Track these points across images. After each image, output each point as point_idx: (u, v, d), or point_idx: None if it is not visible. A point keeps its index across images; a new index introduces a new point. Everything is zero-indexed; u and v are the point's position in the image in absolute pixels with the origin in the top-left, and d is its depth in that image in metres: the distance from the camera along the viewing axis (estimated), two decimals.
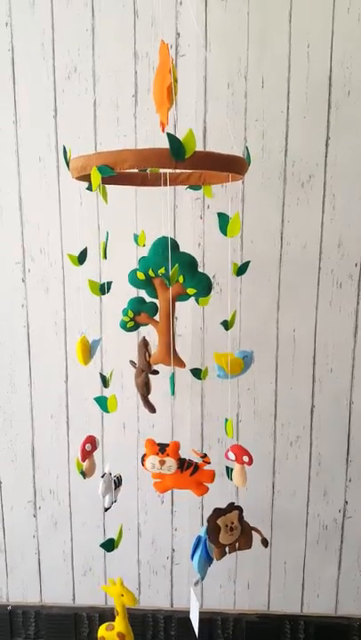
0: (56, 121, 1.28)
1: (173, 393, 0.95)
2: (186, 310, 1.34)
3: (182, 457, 0.95)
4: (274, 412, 1.39)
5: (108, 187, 1.03)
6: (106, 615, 1.52)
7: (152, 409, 1.06)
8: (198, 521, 1.45)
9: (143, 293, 0.96)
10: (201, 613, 1.51)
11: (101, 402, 0.94)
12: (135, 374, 1.03)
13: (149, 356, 1.00)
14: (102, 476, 1.04)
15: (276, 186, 1.28)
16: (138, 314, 0.96)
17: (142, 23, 1.23)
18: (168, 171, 0.96)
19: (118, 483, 1.06)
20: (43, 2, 1.24)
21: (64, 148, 0.86)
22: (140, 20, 1.23)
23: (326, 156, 1.26)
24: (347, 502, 1.43)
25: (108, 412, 0.94)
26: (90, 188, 0.82)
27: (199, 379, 1.02)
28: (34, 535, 1.51)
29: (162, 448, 0.93)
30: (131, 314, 0.96)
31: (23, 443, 1.45)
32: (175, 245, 0.91)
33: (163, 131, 0.83)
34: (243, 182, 1.27)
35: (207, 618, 1.51)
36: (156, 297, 0.95)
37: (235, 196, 1.28)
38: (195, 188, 1.03)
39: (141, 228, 1.22)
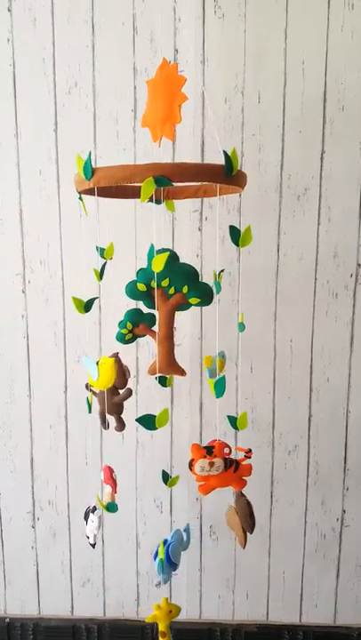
0: (56, 135, 1.30)
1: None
2: (185, 320, 1.35)
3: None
4: (272, 422, 1.40)
5: (106, 199, 1.06)
6: (104, 627, 1.52)
7: (123, 427, 1.03)
8: (197, 530, 1.46)
9: (137, 304, 0.97)
10: (200, 624, 1.53)
11: (148, 421, 0.87)
12: (107, 395, 0.98)
13: (124, 372, 0.97)
14: (93, 511, 1.02)
15: (272, 198, 1.30)
16: (136, 325, 0.97)
17: (141, 39, 1.26)
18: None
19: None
20: (43, 18, 1.27)
21: (89, 154, 0.81)
22: (139, 36, 1.25)
23: (321, 170, 1.29)
24: (345, 511, 1.44)
25: (156, 429, 0.88)
26: (78, 197, 0.86)
27: (165, 386, 1.04)
28: (32, 546, 1.50)
29: (208, 450, 0.93)
30: (130, 326, 0.96)
31: (22, 453, 1.45)
32: (176, 256, 0.93)
33: (159, 146, 0.85)
34: (240, 195, 1.29)
35: (206, 629, 1.51)
36: (155, 308, 0.96)
37: (232, 208, 1.30)
38: (158, 202, 1.03)
39: (140, 240, 1.25)
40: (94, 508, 1.03)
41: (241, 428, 0.95)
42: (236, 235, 0.91)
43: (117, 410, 1.02)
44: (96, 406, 1.01)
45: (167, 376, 1.04)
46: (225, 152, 0.77)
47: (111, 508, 1.00)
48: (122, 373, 0.98)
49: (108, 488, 1.01)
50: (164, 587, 1.49)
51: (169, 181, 0.76)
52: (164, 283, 0.92)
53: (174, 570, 1.01)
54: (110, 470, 1.00)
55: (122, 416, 1.03)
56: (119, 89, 1.28)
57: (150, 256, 0.92)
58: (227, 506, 1.05)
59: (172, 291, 0.93)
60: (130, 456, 1.41)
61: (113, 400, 1.01)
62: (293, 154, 1.28)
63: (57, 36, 1.27)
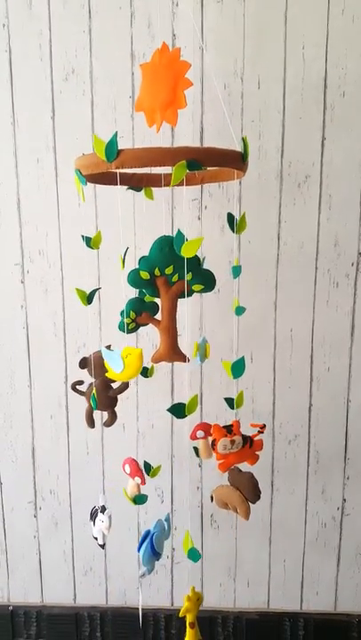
0: (54, 122, 1.29)
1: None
2: (185, 311, 1.34)
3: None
4: (272, 411, 1.40)
5: (104, 187, 1.05)
6: (106, 615, 1.53)
7: (114, 421, 1.04)
8: (198, 519, 1.46)
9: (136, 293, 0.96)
10: (201, 612, 1.52)
11: (178, 409, 0.90)
12: (101, 390, 0.99)
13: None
14: (102, 510, 1.01)
15: (272, 186, 1.29)
16: (139, 314, 0.96)
17: (139, 24, 1.24)
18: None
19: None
20: (40, 3, 1.24)
21: (115, 133, 0.74)
22: (136, 21, 1.23)
23: (322, 157, 1.27)
24: (345, 500, 1.44)
25: (185, 416, 0.90)
26: (83, 182, 0.82)
27: (146, 377, 1.04)
28: (34, 535, 1.51)
29: (228, 429, 0.95)
30: (133, 315, 0.95)
31: (23, 443, 1.46)
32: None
33: (157, 131, 0.83)
34: (240, 183, 1.28)
35: (207, 616, 1.52)
36: (157, 296, 0.95)
37: (232, 196, 1.29)
38: (136, 189, 1.02)
39: (139, 229, 1.24)
40: (103, 508, 1.02)
41: (238, 407, 0.96)
42: (232, 221, 0.91)
43: (111, 403, 1.02)
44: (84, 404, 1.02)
45: (148, 367, 1.04)
46: (244, 138, 0.82)
47: (140, 499, 0.99)
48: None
49: (133, 481, 0.99)
50: (168, 577, 1.51)
51: (200, 165, 0.75)
52: (168, 270, 0.91)
53: (158, 559, 1.03)
54: (136, 462, 0.99)
55: (114, 409, 1.03)
56: (117, 75, 1.26)
57: (158, 245, 0.90)
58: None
59: (175, 278, 0.92)
60: (131, 445, 1.41)
61: (109, 394, 1.01)
62: (294, 140, 1.27)
63: (53, 21, 1.25)
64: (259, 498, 0.97)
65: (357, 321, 1.34)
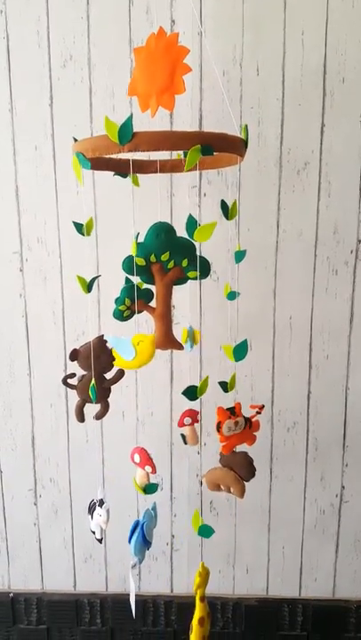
0: (52, 109, 1.28)
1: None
2: (183, 298, 1.34)
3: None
4: (271, 399, 1.40)
5: (101, 174, 1.04)
6: (106, 601, 1.54)
7: (106, 412, 1.03)
8: (198, 506, 1.47)
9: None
10: None
11: (191, 392, 0.91)
12: (95, 382, 0.97)
13: (109, 354, 0.97)
14: (100, 504, 1.01)
15: (271, 173, 1.29)
16: (134, 302, 0.96)
17: (137, 10, 1.23)
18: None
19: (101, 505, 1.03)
20: None
21: (130, 115, 0.72)
22: (134, 7, 1.23)
23: (321, 143, 1.27)
24: (343, 487, 1.45)
25: (197, 399, 0.91)
26: (87, 166, 0.81)
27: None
28: (35, 523, 1.52)
29: (231, 411, 0.97)
30: (128, 302, 0.95)
31: (23, 432, 1.46)
32: (173, 230, 0.92)
33: (152, 115, 0.82)
34: (239, 170, 1.27)
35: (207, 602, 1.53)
36: (152, 283, 0.95)
37: (231, 183, 1.29)
38: (122, 175, 1.02)
39: (138, 216, 1.23)
40: (101, 502, 1.02)
41: (231, 389, 0.96)
42: (225, 209, 0.91)
43: (105, 395, 1.01)
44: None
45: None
46: (245, 127, 0.84)
47: (151, 489, 0.99)
48: (108, 355, 0.97)
49: (142, 470, 0.98)
50: (167, 564, 1.52)
51: (212, 150, 0.75)
52: (165, 257, 0.90)
53: (148, 548, 1.03)
54: (146, 451, 0.99)
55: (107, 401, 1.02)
56: (115, 62, 1.25)
57: (154, 231, 0.90)
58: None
59: (171, 265, 0.92)
60: (130, 434, 1.42)
61: (103, 385, 1.00)
62: (293, 127, 1.26)
63: (51, 8, 1.24)
64: (254, 475, 0.98)
65: (356, 309, 1.34)
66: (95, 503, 1.05)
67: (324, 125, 1.26)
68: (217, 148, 0.77)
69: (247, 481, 0.99)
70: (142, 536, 1.01)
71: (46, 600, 1.55)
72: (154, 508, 1.05)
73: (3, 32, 1.26)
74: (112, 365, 0.98)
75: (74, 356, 0.96)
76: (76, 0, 1.23)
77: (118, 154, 0.76)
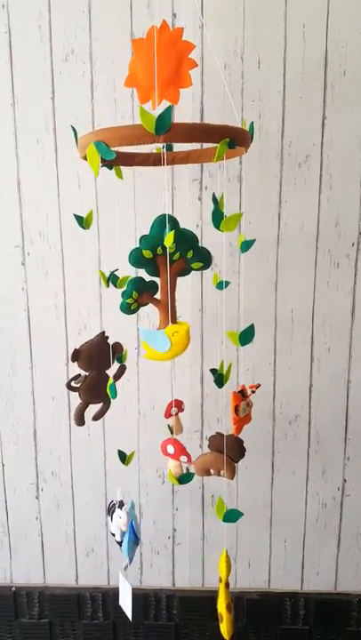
0: (54, 103, 1.29)
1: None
2: (186, 291, 1.34)
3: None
4: (273, 392, 1.40)
5: (104, 168, 1.05)
6: (108, 595, 1.54)
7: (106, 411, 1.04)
8: (199, 500, 1.47)
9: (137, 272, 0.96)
10: (203, 592, 1.55)
11: (218, 379, 0.95)
12: (94, 383, 0.96)
13: (110, 352, 0.97)
14: (119, 506, 1.00)
15: (273, 166, 1.29)
16: (141, 295, 0.96)
17: (138, 4, 1.23)
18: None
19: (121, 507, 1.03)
20: None
21: (170, 106, 0.73)
22: (136, 0, 1.23)
23: (323, 136, 1.27)
24: (345, 480, 1.45)
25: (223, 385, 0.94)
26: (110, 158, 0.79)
27: (120, 362, 1.04)
28: (36, 517, 1.52)
29: (242, 394, 0.99)
30: (135, 295, 0.94)
31: (25, 425, 1.47)
32: (177, 222, 0.92)
33: (153, 108, 0.83)
34: (240, 163, 1.28)
35: (208, 597, 1.53)
36: (157, 275, 0.95)
37: (232, 176, 1.29)
38: (108, 166, 1.02)
39: (140, 209, 1.24)
40: (121, 503, 1.01)
41: (226, 381, 0.98)
42: (216, 202, 0.90)
43: (106, 393, 1.00)
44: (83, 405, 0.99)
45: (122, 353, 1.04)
46: (252, 123, 0.87)
47: (186, 479, 0.99)
48: (108, 353, 0.97)
49: (176, 461, 0.99)
50: (169, 558, 1.52)
51: (235, 144, 0.78)
52: (171, 248, 0.91)
53: (137, 546, 1.05)
54: (179, 442, 0.99)
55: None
56: (117, 55, 1.26)
57: (159, 224, 0.90)
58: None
59: (176, 256, 0.93)
60: (132, 427, 1.42)
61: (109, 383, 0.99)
62: (294, 120, 1.26)
63: (52, 1, 1.24)
64: (243, 456, 1.00)
65: (358, 301, 1.34)
66: (115, 505, 1.05)
67: (326, 118, 1.26)
68: (239, 141, 0.80)
69: (237, 462, 1.00)
70: (133, 534, 1.03)
71: (48, 594, 1.56)
72: (132, 507, 1.05)
73: (5, 26, 1.26)
74: (110, 363, 0.98)
75: (76, 356, 0.94)
76: None
77: (144, 144, 0.77)
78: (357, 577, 1.51)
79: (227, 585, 0.99)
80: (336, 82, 1.25)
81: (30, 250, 1.37)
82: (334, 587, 1.52)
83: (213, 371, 0.97)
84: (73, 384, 0.97)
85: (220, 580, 0.99)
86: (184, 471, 1.02)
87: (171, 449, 0.99)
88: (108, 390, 0.97)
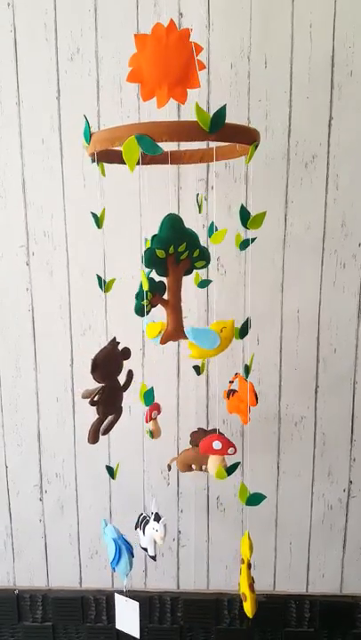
0: (59, 102, 1.28)
1: None
2: (191, 291, 1.34)
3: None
4: (278, 393, 1.39)
5: (112, 166, 1.04)
6: (112, 598, 1.53)
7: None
8: (204, 502, 1.46)
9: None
10: (207, 594, 1.54)
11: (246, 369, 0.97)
12: (110, 394, 0.93)
13: (120, 358, 0.95)
14: (155, 518, 0.98)
15: (279, 166, 1.28)
16: (153, 295, 0.95)
17: (145, 3, 1.23)
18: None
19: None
20: None
21: (224, 105, 0.74)
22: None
23: (329, 136, 1.27)
24: (351, 482, 1.44)
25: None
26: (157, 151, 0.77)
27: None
28: (40, 519, 1.51)
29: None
30: (150, 296, 0.92)
31: (29, 427, 1.46)
32: (183, 221, 0.91)
33: (158, 107, 0.82)
34: (246, 163, 1.27)
35: (213, 599, 1.52)
36: (167, 275, 0.94)
37: (239, 176, 1.28)
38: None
39: (146, 209, 1.23)
40: (157, 516, 1.00)
41: (202, 371, 1.06)
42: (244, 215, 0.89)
43: (121, 400, 0.98)
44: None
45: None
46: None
47: (233, 469, 0.98)
48: (120, 360, 0.95)
49: (218, 457, 0.98)
50: (174, 560, 1.51)
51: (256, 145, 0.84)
52: (181, 248, 0.91)
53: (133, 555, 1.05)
54: (224, 436, 0.99)
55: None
56: (122, 55, 1.25)
57: (169, 223, 0.89)
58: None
59: (184, 256, 0.92)
60: (137, 428, 1.41)
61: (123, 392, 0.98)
62: (301, 120, 1.26)
63: (58, 0, 1.24)
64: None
65: None
66: (145, 517, 1.03)
67: (332, 118, 1.26)
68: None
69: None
70: (129, 550, 1.03)
71: (52, 597, 1.54)
72: (106, 525, 1.06)
73: (10, 25, 1.26)
74: (121, 369, 0.97)
75: (95, 367, 0.90)
76: None
77: (193, 142, 0.77)
78: None
79: (249, 566, 0.99)
80: (343, 82, 1.24)
81: (35, 250, 1.36)
82: (340, 589, 1.51)
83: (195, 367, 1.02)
84: (96, 399, 0.92)
85: (243, 562, 1.00)
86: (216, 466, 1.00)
87: (218, 444, 0.97)
88: (143, 397, 0.95)
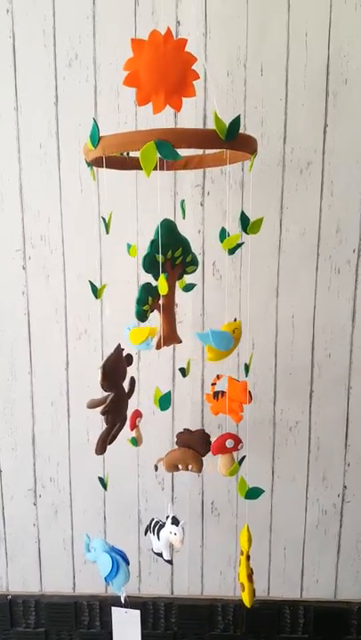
0: (57, 108, 1.29)
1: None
2: (187, 296, 1.34)
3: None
4: (273, 398, 1.40)
5: (108, 172, 1.05)
6: (106, 603, 1.52)
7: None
8: (199, 507, 1.46)
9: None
10: (201, 600, 1.53)
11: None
12: (117, 402, 0.92)
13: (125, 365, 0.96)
14: (174, 522, 0.99)
15: (275, 172, 1.30)
16: (155, 300, 0.94)
17: (142, 10, 1.24)
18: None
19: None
20: None
21: (239, 117, 0.77)
22: (140, 7, 1.24)
23: (324, 143, 1.28)
24: (345, 487, 1.45)
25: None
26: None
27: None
28: (34, 524, 1.51)
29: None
30: (150, 301, 0.92)
31: (23, 431, 1.45)
32: (177, 227, 0.93)
33: (154, 113, 0.83)
34: (242, 169, 1.28)
35: (207, 605, 1.52)
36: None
37: (234, 182, 1.30)
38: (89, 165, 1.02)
39: (141, 214, 1.24)
40: (175, 519, 1.00)
41: (187, 373, 1.07)
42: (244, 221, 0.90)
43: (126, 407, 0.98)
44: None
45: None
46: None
47: (241, 462, 1.02)
48: (125, 367, 0.96)
49: (228, 455, 0.99)
50: (168, 565, 1.50)
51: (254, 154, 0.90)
52: (178, 252, 0.92)
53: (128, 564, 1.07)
54: (234, 434, 1.00)
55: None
56: (120, 61, 1.25)
57: (167, 228, 0.90)
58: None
59: (178, 260, 0.94)
60: (131, 433, 1.41)
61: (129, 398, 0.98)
62: (296, 127, 1.27)
63: (57, 7, 1.25)
64: (209, 450, 1.01)
65: (359, 307, 1.35)
66: (158, 522, 1.04)
67: (327, 125, 1.27)
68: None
69: (203, 455, 1.03)
70: (124, 558, 1.05)
71: (45, 602, 1.54)
72: (90, 540, 1.09)
73: (9, 31, 1.27)
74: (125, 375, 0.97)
75: (105, 376, 0.88)
76: (81, 0, 1.24)
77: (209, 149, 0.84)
78: (358, 585, 1.50)
79: (247, 557, 1.01)
80: (338, 90, 1.26)
81: (31, 254, 1.36)
82: (334, 595, 1.51)
83: (181, 369, 1.05)
84: (107, 408, 0.91)
85: (242, 553, 1.02)
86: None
87: (231, 442, 0.98)
88: (158, 402, 0.96)
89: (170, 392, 0.95)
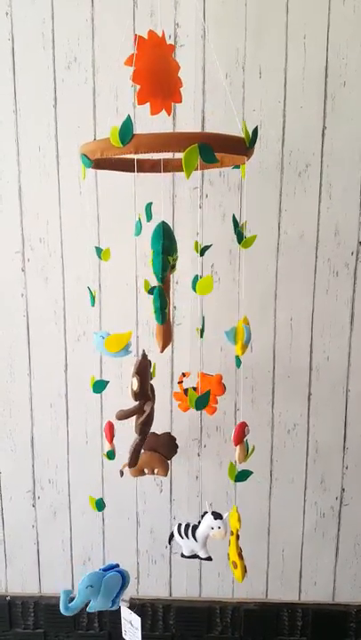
0: (56, 110, 1.29)
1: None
2: (186, 299, 1.34)
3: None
4: (271, 401, 1.40)
5: (106, 174, 1.05)
6: None
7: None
8: (197, 509, 1.46)
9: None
10: (199, 602, 1.53)
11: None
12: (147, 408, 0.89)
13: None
14: (216, 517, 1.01)
15: (273, 175, 1.30)
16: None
17: (141, 13, 1.24)
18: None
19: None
20: None
21: (256, 128, 0.85)
22: (139, 10, 1.24)
23: (323, 146, 1.28)
24: (344, 490, 1.45)
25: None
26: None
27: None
28: (33, 525, 1.51)
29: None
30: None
31: (22, 432, 1.46)
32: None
33: (152, 114, 0.84)
34: (241, 173, 1.28)
35: (206, 607, 1.52)
36: (164, 281, 0.96)
37: (233, 185, 1.30)
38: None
39: (139, 217, 1.24)
40: (218, 514, 1.02)
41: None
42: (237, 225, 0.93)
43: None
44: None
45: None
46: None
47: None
48: (149, 373, 0.93)
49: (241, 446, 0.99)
50: (166, 567, 1.51)
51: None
52: (176, 254, 0.94)
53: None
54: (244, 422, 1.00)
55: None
56: (119, 64, 1.26)
57: (166, 231, 0.92)
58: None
59: (173, 262, 0.95)
60: (129, 435, 1.41)
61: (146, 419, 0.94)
62: (295, 130, 1.27)
63: (56, 9, 1.25)
64: (176, 452, 1.03)
65: (357, 310, 1.35)
66: (189, 524, 1.04)
67: (326, 128, 1.27)
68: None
69: (169, 458, 1.04)
70: (123, 577, 1.09)
71: (44, 603, 1.54)
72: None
73: (8, 34, 1.27)
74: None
75: (141, 385, 0.86)
76: (80, 2, 1.25)
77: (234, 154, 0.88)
78: (356, 587, 1.50)
79: (237, 537, 1.04)
80: (336, 92, 1.26)
81: (30, 256, 1.36)
82: (332, 597, 1.51)
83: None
84: (144, 420, 0.89)
85: (232, 534, 1.03)
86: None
87: (247, 430, 1.00)
88: (194, 403, 0.92)
89: (209, 391, 0.93)
